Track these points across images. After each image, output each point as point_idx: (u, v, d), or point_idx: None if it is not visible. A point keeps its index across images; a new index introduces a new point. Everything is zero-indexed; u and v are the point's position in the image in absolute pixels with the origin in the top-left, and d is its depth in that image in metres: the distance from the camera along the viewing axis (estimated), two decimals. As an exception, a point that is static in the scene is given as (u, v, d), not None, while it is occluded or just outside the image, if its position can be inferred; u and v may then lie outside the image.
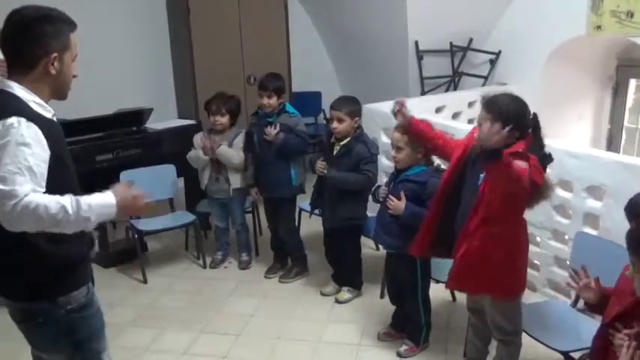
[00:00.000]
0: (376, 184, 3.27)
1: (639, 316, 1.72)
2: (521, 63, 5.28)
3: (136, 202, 1.79)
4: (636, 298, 1.72)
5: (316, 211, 3.74)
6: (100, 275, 2.00)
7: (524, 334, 2.57)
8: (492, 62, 5.50)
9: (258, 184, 3.90)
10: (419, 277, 2.95)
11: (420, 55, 5.43)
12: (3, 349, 3.11)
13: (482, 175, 2.38)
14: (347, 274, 3.69)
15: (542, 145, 2.37)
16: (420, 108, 4.57)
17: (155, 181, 4.17)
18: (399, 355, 3.07)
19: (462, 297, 2.91)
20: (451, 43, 5.53)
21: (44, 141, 1.64)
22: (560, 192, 3.27)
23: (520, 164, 2.18)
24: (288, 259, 4.09)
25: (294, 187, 3.79)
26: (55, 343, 1.86)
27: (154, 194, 1.90)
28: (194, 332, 3.36)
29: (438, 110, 5.02)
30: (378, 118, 4.43)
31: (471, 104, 5.05)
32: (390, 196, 2.90)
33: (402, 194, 2.86)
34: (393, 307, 3.25)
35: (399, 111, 2.78)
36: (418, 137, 2.78)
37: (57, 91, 1.79)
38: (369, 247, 4.10)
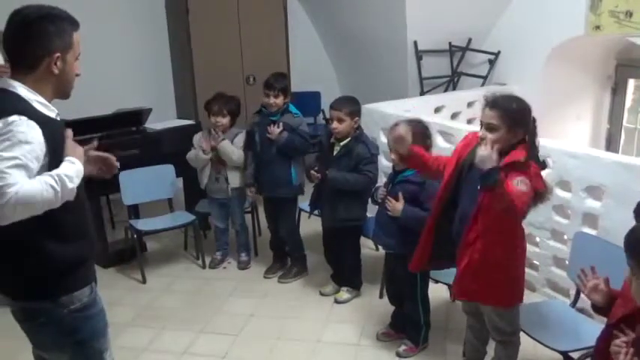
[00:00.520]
0: (375, 185, 3.27)
1: None
2: (520, 63, 5.28)
3: (82, 154, 1.81)
4: None
5: (316, 212, 3.74)
6: (99, 275, 1.99)
7: (523, 334, 2.57)
8: (491, 62, 5.50)
9: (258, 184, 3.90)
10: (418, 277, 2.95)
11: (419, 55, 5.43)
12: (3, 349, 3.11)
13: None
14: (346, 274, 3.69)
15: (537, 150, 2.37)
16: (419, 108, 4.58)
17: (154, 181, 4.18)
18: (398, 355, 3.07)
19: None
20: (450, 43, 5.53)
21: (43, 140, 1.65)
22: (559, 192, 3.28)
23: (519, 190, 2.19)
24: (287, 259, 4.09)
25: (294, 186, 3.79)
26: (58, 343, 1.86)
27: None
28: (193, 332, 3.36)
29: (437, 110, 5.02)
30: (378, 118, 4.43)
31: (470, 104, 5.05)
32: (389, 197, 2.90)
33: (400, 195, 2.86)
34: (392, 307, 3.25)
35: (398, 139, 2.63)
36: (416, 165, 2.71)
37: (60, 90, 1.79)
38: (368, 248, 4.10)
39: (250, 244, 4.33)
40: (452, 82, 5.68)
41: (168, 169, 4.26)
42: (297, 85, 5.86)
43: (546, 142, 2.70)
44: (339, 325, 3.41)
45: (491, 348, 2.73)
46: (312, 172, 3.44)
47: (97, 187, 3.80)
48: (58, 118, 1.79)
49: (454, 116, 5.07)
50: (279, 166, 3.73)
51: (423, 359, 3.05)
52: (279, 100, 3.68)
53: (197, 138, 4.01)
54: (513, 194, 2.18)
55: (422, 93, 5.59)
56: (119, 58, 5.42)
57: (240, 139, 3.93)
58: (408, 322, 3.09)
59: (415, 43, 5.37)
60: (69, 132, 1.81)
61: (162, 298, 3.81)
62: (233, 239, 4.30)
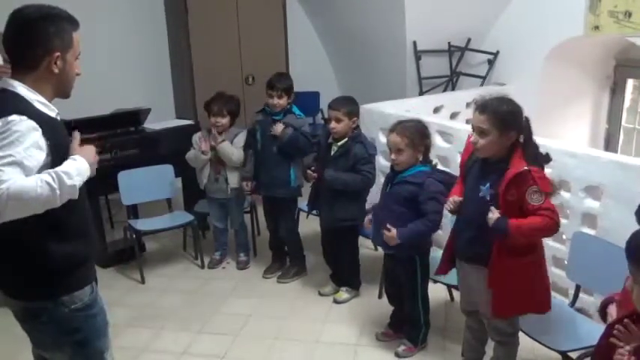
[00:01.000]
0: (372, 185, 3.27)
1: None
2: (519, 63, 5.28)
3: (92, 154, 1.81)
4: None
5: (314, 212, 3.74)
6: (98, 275, 1.99)
7: (522, 334, 2.57)
8: (490, 62, 5.51)
9: (257, 183, 3.90)
10: (419, 277, 2.95)
11: (418, 55, 5.43)
12: (3, 349, 3.11)
13: (483, 188, 2.38)
14: (345, 274, 3.69)
15: (536, 146, 2.37)
16: (418, 108, 4.58)
17: (153, 182, 4.18)
18: (397, 355, 3.07)
19: (459, 297, 2.90)
20: (449, 43, 5.53)
21: (42, 140, 1.65)
22: (558, 192, 3.28)
23: (532, 223, 2.24)
24: (286, 259, 4.09)
25: (293, 188, 3.79)
26: (59, 342, 1.87)
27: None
28: (192, 332, 3.36)
29: (436, 110, 5.02)
30: (377, 118, 4.43)
31: (469, 104, 5.05)
32: (384, 230, 2.88)
33: (388, 226, 2.86)
34: (391, 308, 3.25)
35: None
36: None
37: (60, 89, 1.79)
38: (367, 248, 4.10)
39: (249, 244, 4.33)
40: (451, 82, 5.68)
41: (167, 169, 4.26)
42: (295, 85, 5.76)
43: (545, 141, 2.69)
44: (337, 325, 3.41)
45: (490, 348, 2.73)
46: (309, 171, 3.44)
47: (96, 187, 3.80)
48: (59, 118, 1.79)
49: (453, 116, 5.07)
50: (279, 166, 3.72)
51: (422, 359, 3.05)
52: (283, 101, 3.68)
53: (196, 138, 4.01)
54: (528, 226, 2.24)
55: (421, 93, 5.59)
56: (118, 57, 5.42)
57: (241, 139, 3.93)
58: (408, 322, 3.09)
59: (414, 43, 5.37)
60: (77, 134, 1.81)
61: (161, 298, 3.81)
62: (232, 239, 4.30)
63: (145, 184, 4.13)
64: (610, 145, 5.57)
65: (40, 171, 1.63)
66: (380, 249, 3.52)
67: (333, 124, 3.33)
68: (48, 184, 1.59)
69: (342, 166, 3.33)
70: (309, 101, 6.27)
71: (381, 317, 3.38)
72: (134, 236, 4.07)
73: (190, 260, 4.37)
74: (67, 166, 1.67)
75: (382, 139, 4.35)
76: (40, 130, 1.64)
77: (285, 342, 3.26)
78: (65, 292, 1.81)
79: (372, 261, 3.98)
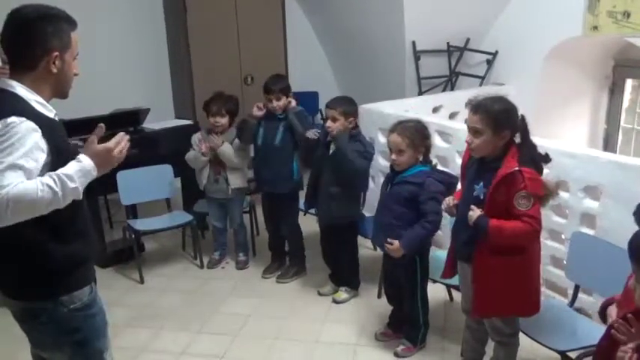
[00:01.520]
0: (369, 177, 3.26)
1: None
2: (518, 63, 5.29)
3: (109, 155, 1.78)
4: None
5: (311, 210, 3.73)
6: (97, 275, 1.99)
7: (521, 333, 2.57)
8: (489, 62, 5.51)
9: (258, 181, 3.90)
10: (418, 277, 2.95)
11: (417, 55, 5.44)
12: (1, 349, 3.11)
13: (477, 187, 2.39)
14: (344, 274, 3.69)
15: (534, 146, 2.37)
16: (418, 108, 4.58)
17: (152, 182, 4.18)
18: (396, 355, 3.07)
19: (459, 297, 2.91)
20: (448, 43, 5.53)
21: (42, 141, 1.64)
22: (557, 192, 3.28)
23: (514, 227, 2.25)
24: (285, 259, 4.09)
25: (295, 181, 3.79)
26: (58, 343, 1.86)
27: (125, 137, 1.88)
28: (191, 332, 3.36)
29: (435, 110, 5.03)
30: (376, 118, 4.44)
31: (465, 105, 5.04)
32: (386, 245, 2.88)
33: (389, 240, 2.86)
34: (390, 307, 3.25)
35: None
36: None
37: (58, 90, 1.79)
38: (366, 248, 4.10)
39: (248, 244, 4.33)
40: (450, 82, 5.69)
41: (167, 169, 4.25)
42: (294, 86, 5.79)
43: (544, 142, 2.70)
44: (337, 325, 3.41)
45: (489, 348, 2.73)
46: (312, 132, 3.42)
47: (95, 187, 3.79)
48: (57, 118, 1.79)
49: (452, 116, 5.08)
50: (282, 160, 3.72)
51: (421, 359, 3.05)
52: (282, 102, 3.68)
53: (195, 138, 4.00)
54: (510, 230, 2.26)
55: (420, 93, 5.60)
56: (117, 57, 5.42)
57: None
58: (407, 321, 3.09)
59: (413, 43, 5.38)
60: (99, 130, 1.80)
61: (161, 298, 3.81)
62: (231, 239, 4.30)
63: (144, 184, 4.13)
64: (609, 145, 5.57)
65: (41, 172, 1.63)
66: (379, 249, 3.52)
67: (329, 123, 3.34)
68: (50, 187, 1.59)
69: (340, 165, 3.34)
70: (308, 101, 6.27)
71: (380, 317, 3.38)
72: (133, 236, 4.06)
73: (189, 260, 4.37)
74: (70, 168, 1.66)
75: (381, 139, 4.35)
76: (39, 131, 1.63)
77: (284, 342, 3.26)
78: (64, 292, 1.80)
79: (372, 261, 3.98)
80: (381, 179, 3.60)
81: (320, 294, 3.74)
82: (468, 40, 5.54)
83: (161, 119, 4.88)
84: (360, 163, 3.28)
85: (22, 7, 1.72)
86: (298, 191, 3.88)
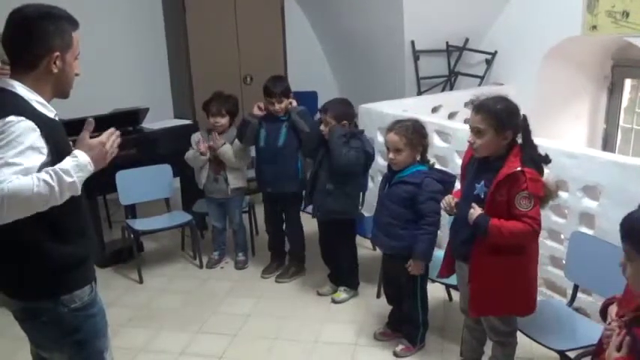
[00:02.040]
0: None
1: None
2: (517, 63, 5.29)
3: (102, 149, 1.77)
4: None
5: (308, 209, 3.72)
6: (96, 275, 1.99)
7: (520, 333, 2.57)
8: (488, 62, 5.51)
9: (259, 181, 3.90)
10: (417, 277, 2.95)
11: (416, 55, 5.44)
12: (1, 348, 3.10)
13: (477, 185, 2.39)
14: (343, 274, 3.69)
15: (534, 147, 2.38)
16: (417, 108, 4.58)
17: (151, 181, 4.17)
18: (395, 354, 3.07)
19: (458, 297, 2.91)
20: (447, 43, 5.53)
21: (41, 141, 1.64)
22: (556, 192, 3.28)
23: (513, 227, 2.25)
24: (285, 258, 4.09)
25: (300, 180, 3.78)
26: (58, 342, 1.86)
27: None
28: (190, 332, 3.35)
29: (434, 110, 5.03)
30: (375, 117, 4.44)
31: (466, 104, 5.05)
32: (408, 267, 2.89)
33: (410, 262, 2.88)
34: (389, 307, 3.25)
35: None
36: None
37: (59, 89, 1.79)
38: (365, 247, 4.11)
39: (248, 243, 4.33)
40: (449, 81, 5.69)
41: (166, 169, 4.25)
42: (293, 85, 5.77)
43: (543, 141, 2.70)
44: (336, 325, 3.41)
45: (488, 348, 2.73)
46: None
47: (95, 186, 3.80)
48: (57, 118, 1.79)
49: (451, 116, 5.08)
50: (286, 160, 3.71)
51: (420, 359, 3.05)
52: (284, 104, 3.68)
53: (195, 138, 4.00)
54: (509, 230, 2.26)
55: (419, 93, 5.59)
56: (116, 57, 5.41)
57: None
58: (406, 321, 3.09)
59: (412, 42, 5.37)
60: (89, 125, 1.78)
61: (160, 298, 3.81)
62: (230, 239, 4.30)
63: (143, 183, 4.12)
64: (608, 144, 5.57)
65: (39, 172, 1.63)
66: (378, 249, 3.53)
67: (322, 127, 3.35)
68: (46, 182, 1.58)
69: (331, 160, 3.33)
70: (306, 101, 6.26)
71: (379, 317, 3.38)
72: (132, 236, 4.06)
73: (189, 260, 4.37)
74: (67, 162, 1.66)
75: (380, 139, 4.35)
76: (38, 130, 1.63)
77: (283, 342, 3.26)
78: (65, 292, 1.80)
79: (371, 261, 3.99)
80: (379, 179, 3.60)
81: (319, 294, 3.74)
82: (467, 40, 5.54)
83: (160, 119, 4.88)
84: (349, 158, 3.24)
85: (24, 6, 1.72)
86: (303, 190, 3.88)
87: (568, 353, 2.45)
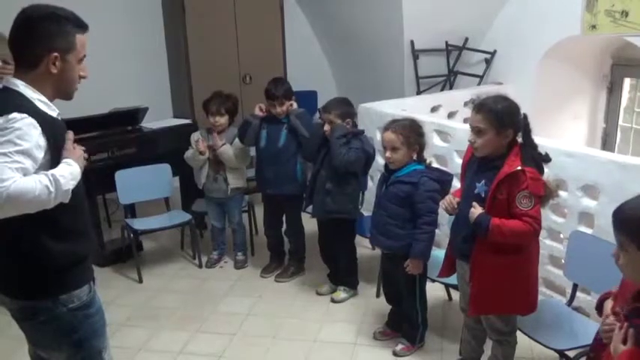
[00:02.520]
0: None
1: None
2: (517, 62, 5.29)
3: (82, 156, 1.81)
4: (635, 294, 1.72)
5: (308, 209, 3.72)
6: (95, 275, 1.99)
7: (520, 333, 2.57)
8: (488, 61, 5.51)
9: (259, 182, 3.90)
10: (417, 276, 2.95)
11: (415, 54, 5.44)
12: (0, 348, 3.10)
13: (478, 185, 2.39)
14: (343, 273, 3.69)
15: (535, 146, 2.37)
16: (416, 107, 4.58)
17: (151, 181, 4.17)
18: (394, 354, 3.07)
19: (457, 296, 2.91)
20: (447, 42, 5.53)
21: (42, 139, 1.65)
22: (555, 191, 3.28)
23: (514, 226, 2.25)
24: (284, 258, 4.09)
25: (299, 182, 3.78)
26: (57, 342, 1.86)
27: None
28: (190, 332, 3.35)
29: (434, 109, 5.03)
30: (374, 117, 4.44)
31: (466, 103, 5.05)
32: (406, 266, 2.88)
33: (407, 262, 2.87)
34: (388, 307, 3.25)
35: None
36: None
37: (60, 91, 1.79)
38: (364, 247, 4.10)
39: (247, 243, 4.33)
40: (448, 81, 5.69)
41: (165, 169, 4.25)
42: (293, 85, 5.80)
43: (542, 141, 2.69)
44: (335, 324, 3.41)
45: (488, 347, 2.73)
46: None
47: (94, 186, 3.80)
48: (60, 118, 1.79)
49: (450, 115, 5.08)
50: (285, 161, 3.71)
51: (419, 358, 3.05)
52: (285, 107, 3.68)
53: (194, 137, 4.00)
54: (510, 229, 2.26)
55: (418, 92, 5.59)
56: (115, 56, 5.40)
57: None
58: (406, 321, 3.10)
59: (412, 42, 5.38)
60: (70, 134, 1.81)
61: (159, 297, 3.81)
62: (230, 239, 4.30)
63: (142, 183, 4.12)
64: (607, 144, 5.58)
65: (38, 169, 1.64)
66: (377, 248, 3.52)
67: (325, 127, 3.34)
68: (46, 187, 1.60)
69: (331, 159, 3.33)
70: (306, 100, 6.26)
71: (378, 316, 3.39)
72: (132, 235, 4.06)
73: (188, 259, 4.37)
74: (64, 169, 1.68)
75: (379, 138, 4.35)
76: (39, 128, 1.64)
77: (282, 341, 3.26)
78: (63, 291, 1.80)
79: (370, 260, 3.99)
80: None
81: (318, 293, 3.74)
82: (466, 40, 5.54)
83: (159, 118, 4.87)
84: (349, 158, 3.25)
85: (31, 6, 1.73)
86: (303, 192, 3.88)
87: (567, 352, 2.45)
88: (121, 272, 4.16)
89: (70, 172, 1.69)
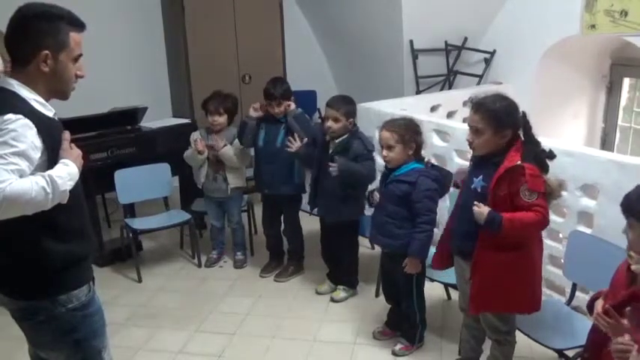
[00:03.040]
0: (369, 189, 3.24)
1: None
2: (516, 62, 5.29)
3: (79, 156, 1.80)
4: (629, 291, 1.73)
5: (314, 211, 3.72)
6: (94, 274, 1.99)
7: (519, 332, 2.57)
8: (487, 61, 5.51)
9: (257, 181, 3.90)
10: (415, 275, 2.95)
11: (414, 54, 5.43)
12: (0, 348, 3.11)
13: (475, 179, 2.39)
14: (343, 272, 3.69)
15: (537, 143, 2.37)
16: (415, 107, 4.58)
17: (150, 180, 4.17)
18: (394, 353, 3.07)
19: (456, 296, 2.91)
20: (446, 42, 5.53)
21: (38, 139, 1.64)
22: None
23: (524, 217, 2.24)
24: (283, 257, 4.09)
25: (297, 183, 3.78)
26: (56, 342, 1.86)
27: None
28: (189, 331, 3.35)
29: (433, 109, 5.03)
30: (374, 116, 4.43)
31: (465, 103, 5.04)
32: (404, 265, 2.88)
33: (406, 261, 2.88)
34: (388, 306, 3.25)
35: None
36: None
37: (54, 90, 1.77)
38: (364, 247, 4.10)
39: (246, 242, 4.33)
40: (448, 80, 5.69)
41: (164, 168, 4.25)
42: (292, 84, 5.79)
43: (542, 140, 2.70)
44: (335, 323, 3.41)
45: (487, 347, 2.74)
46: (332, 169, 3.25)
47: (93, 185, 3.80)
48: (56, 118, 1.78)
49: (450, 115, 5.08)
50: (283, 162, 3.71)
51: (418, 358, 3.06)
52: (283, 107, 3.68)
53: (194, 137, 4.00)
54: (520, 220, 2.25)
55: (418, 92, 5.59)
56: (114, 56, 5.40)
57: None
58: (405, 320, 3.10)
59: (411, 42, 5.37)
60: (66, 134, 1.79)
61: (158, 297, 3.81)
62: (229, 238, 4.30)
63: (141, 182, 4.12)
64: (606, 143, 5.58)
65: (35, 170, 1.63)
66: (377, 248, 3.53)
67: (330, 123, 3.32)
68: (43, 188, 1.59)
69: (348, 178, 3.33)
70: (305, 100, 6.27)
71: (378, 316, 3.39)
72: (131, 235, 4.06)
73: (187, 259, 4.37)
74: (60, 170, 1.67)
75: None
76: (35, 129, 1.63)
77: (282, 341, 3.26)
78: (63, 292, 1.80)
79: (369, 259, 3.99)
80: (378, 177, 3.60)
81: (318, 293, 3.74)
82: (465, 39, 5.54)
83: (159, 118, 4.87)
84: (368, 167, 3.31)
85: (27, 4, 1.72)
86: (301, 193, 3.88)
87: (566, 352, 2.45)
88: (121, 272, 4.15)
89: (67, 172, 1.69)
